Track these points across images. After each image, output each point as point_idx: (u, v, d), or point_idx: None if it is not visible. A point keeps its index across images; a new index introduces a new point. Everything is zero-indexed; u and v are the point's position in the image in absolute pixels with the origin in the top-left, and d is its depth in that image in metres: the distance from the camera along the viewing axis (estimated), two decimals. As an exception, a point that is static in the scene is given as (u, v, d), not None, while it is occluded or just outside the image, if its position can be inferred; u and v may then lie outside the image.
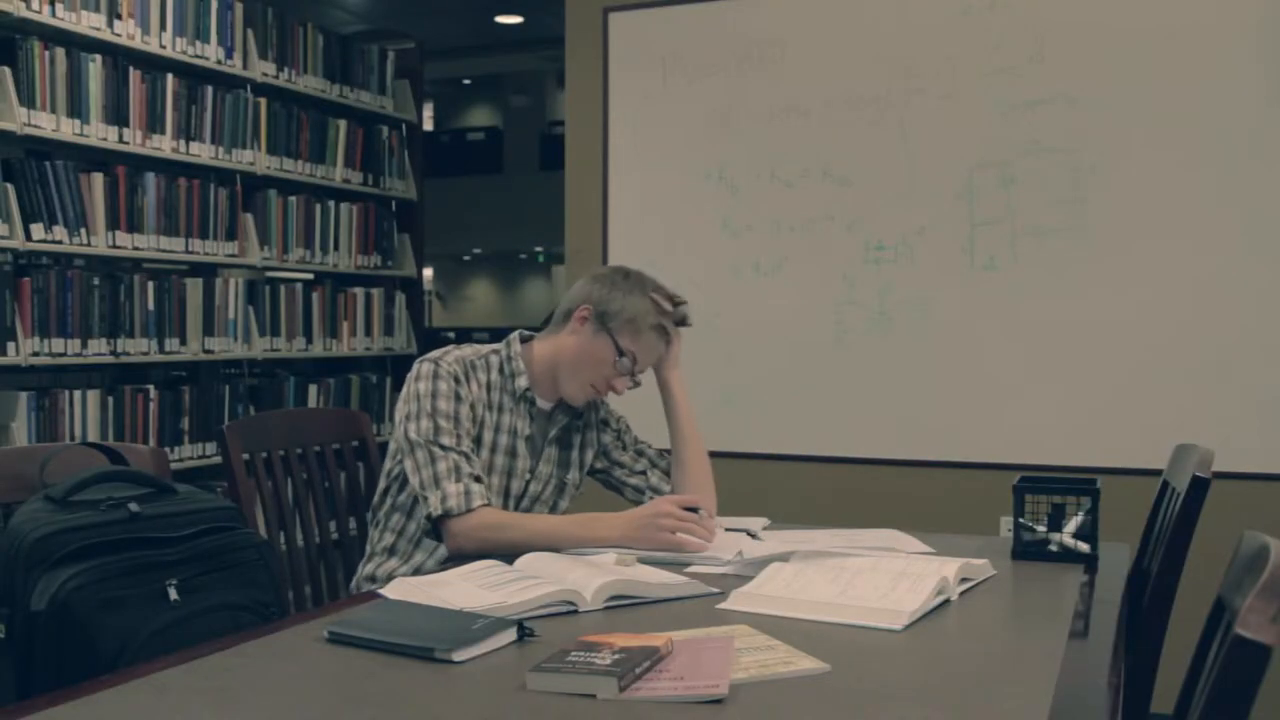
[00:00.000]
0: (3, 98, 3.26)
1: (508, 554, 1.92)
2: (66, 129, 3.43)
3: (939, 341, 3.76)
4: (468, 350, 2.27)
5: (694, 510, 2.04)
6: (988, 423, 3.71)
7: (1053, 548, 2.03)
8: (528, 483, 2.26)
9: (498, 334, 2.37)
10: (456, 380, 2.17)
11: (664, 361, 2.34)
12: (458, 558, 2.03)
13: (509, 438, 2.23)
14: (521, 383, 2.24)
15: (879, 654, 1.46)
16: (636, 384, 2.26)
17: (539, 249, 14.86)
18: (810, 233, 3.91)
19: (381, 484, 2.29)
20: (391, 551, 2.24)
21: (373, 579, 2.23)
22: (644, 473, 2.40)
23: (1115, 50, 3.56)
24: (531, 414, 2.27)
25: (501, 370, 2.25)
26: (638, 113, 4.13)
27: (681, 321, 2.30)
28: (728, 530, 2.19)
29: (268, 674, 1.39)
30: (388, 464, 2.27)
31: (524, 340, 2.30)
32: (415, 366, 2.20)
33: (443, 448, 2.11)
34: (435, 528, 2.11)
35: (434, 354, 2.21)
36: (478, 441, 2.20)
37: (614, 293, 2.22)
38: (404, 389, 2.21)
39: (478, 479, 2.10)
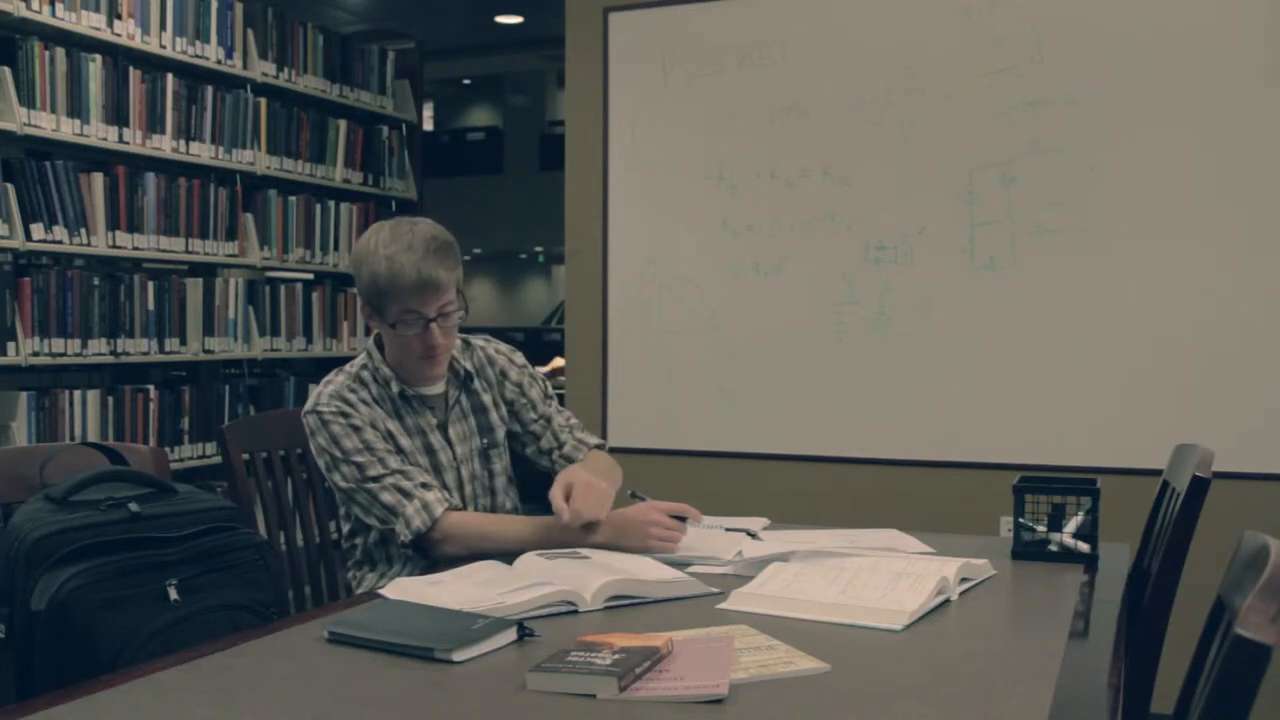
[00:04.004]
0: (3, 98, 3.26)
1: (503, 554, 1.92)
2: (66, 129, 3.43)
3: (939, 341, 3.76)
4: (340, 379, 2.21)
5: (681, 519, 2.04)
6: (988, 423, 3.71)
7: (1053, 548, 2.03)
8: (458, 469, 2.22)
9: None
10: (344, 415, 2.13)
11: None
12: (452, 562, 2.02)
13: (420, 438, 2.20)
14: (394, 387, 2.19)
15: (879, 654, 1.46)
16: (445, 315, 2.12)
17: (539, 249, 14.87)
18: (810, 233, 3.91)
19: (346, 526, 2.23)
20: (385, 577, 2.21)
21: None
22: (550, 452, 2.32)
23: (1115, 50, 3.56)
24: (428, 405, 2.23)
25: (376, 380, 2.20)
26: (638, 113, 4.13)
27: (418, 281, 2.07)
28: (728, 530, 2.19)
29: (268, 674, 1.39)
30: (341, 508, 2.21)
31: (378, 344, 2.24)
32: (304, 422, 2.17)
33: (375, 480, 2.09)
34: (416, 549, 2.10)
35: (309, 404, 2.17)
36: (402, 452, 2.15)
37: (360, 281, 2.13)
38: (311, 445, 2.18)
39: (426, 485, 2.09)
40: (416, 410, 2.21)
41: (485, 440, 2.28)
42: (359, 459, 2.10)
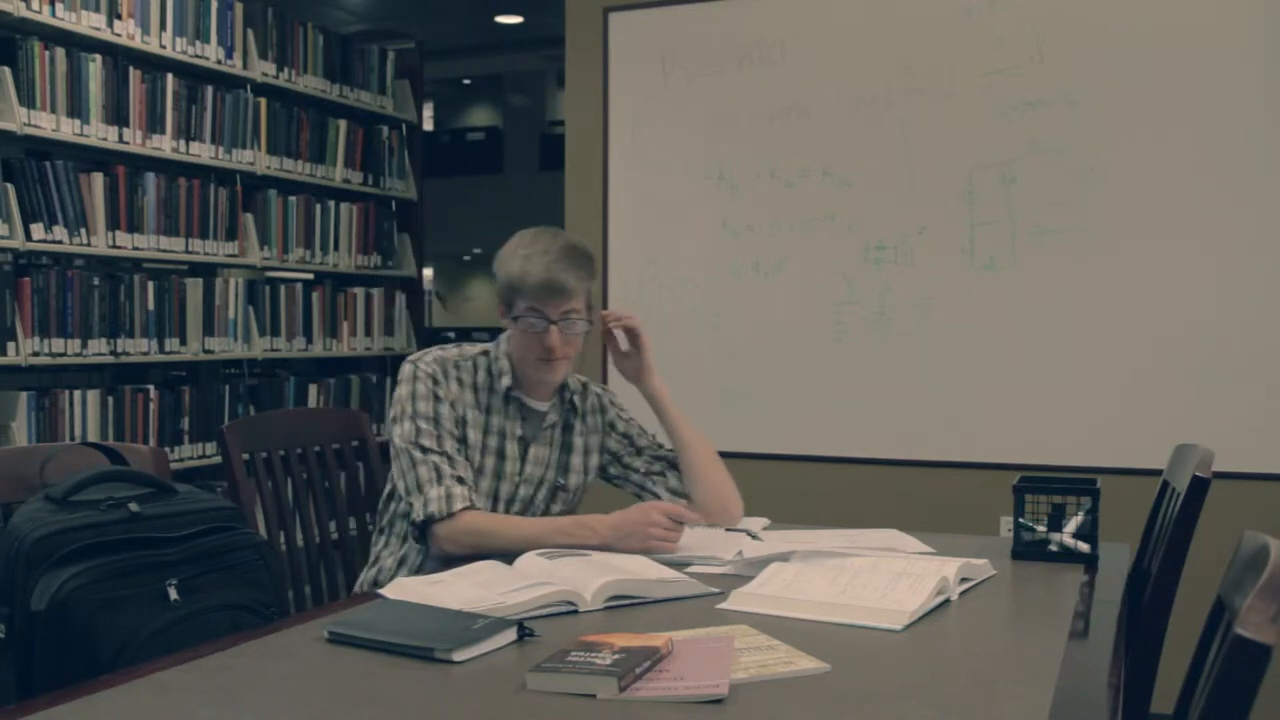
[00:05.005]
0: (3, 98, 3.26)
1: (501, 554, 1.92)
2: (66, 129, 3.43)
3: (939, 341, 3.76)
4: (452, 351, 2.24)
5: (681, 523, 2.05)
6: (988, 423, 3.71)
7: (1053, 548, 2.03)
8: (517, 485, 2.23)
9: (498, 334, 2.35)
10: (434, 380, 2.16)
11: (640, 370, 2.32)
12: (448, 561, 2.02)
13: (497, 439, 2.20)
14: (505, 383, 2.21)
15: (879, 654, 1.46)
16: (568, 321, 2.13)
17: (539, 249, 14.82)
18: (810, 233, 3.91)
19: (387, 487, 2.27)
20: (402, 562, 2.20)
21: (375, 584, 2.22)
22: (662, 474, 2.34)
23: (1115, 50, 3.56)
24: (523, 414, 2.24)
25: (489, 371, 2.22)
26: (638, 113, 4.13)
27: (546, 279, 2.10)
28: (728, 530, 2.19)
29: (268, 674, 1.39)
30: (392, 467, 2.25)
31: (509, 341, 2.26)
32: (400, 369, 2.21)
33: (424, 450, 2.10)
34: (420, 532, 2.10)
35: (415, 355, 2.21)
36: (464, 441, 2.17)
37: (497, 281, 2.17)
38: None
39: (460, 480, 2.09)
40: (510, 414, 2.22)
41: (559, 479, 2.28)
42: (422, 424, 2.12)
